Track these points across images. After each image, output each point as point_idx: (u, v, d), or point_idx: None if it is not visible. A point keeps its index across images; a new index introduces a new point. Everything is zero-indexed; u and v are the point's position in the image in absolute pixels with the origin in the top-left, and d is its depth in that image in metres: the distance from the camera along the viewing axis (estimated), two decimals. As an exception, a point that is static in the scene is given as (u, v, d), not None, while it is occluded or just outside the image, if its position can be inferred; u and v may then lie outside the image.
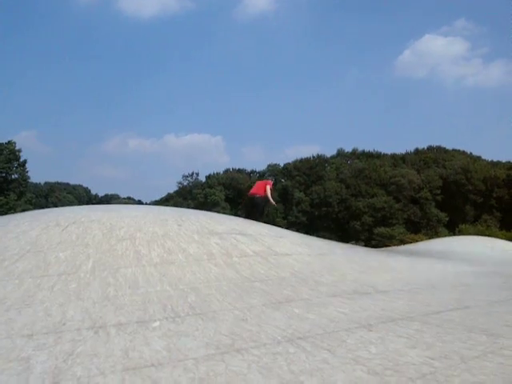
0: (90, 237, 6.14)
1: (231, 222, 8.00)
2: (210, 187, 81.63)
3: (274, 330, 3.82)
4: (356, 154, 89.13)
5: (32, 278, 4.89)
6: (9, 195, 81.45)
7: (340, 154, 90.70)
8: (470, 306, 5.25)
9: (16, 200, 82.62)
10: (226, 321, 4.07)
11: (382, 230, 64.07)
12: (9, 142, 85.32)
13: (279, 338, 3.58)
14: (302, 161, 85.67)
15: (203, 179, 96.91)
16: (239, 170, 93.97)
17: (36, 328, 3.69)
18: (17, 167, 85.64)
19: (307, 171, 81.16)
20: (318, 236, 53.12)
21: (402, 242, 59.34)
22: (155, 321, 4.01)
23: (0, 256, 5.48)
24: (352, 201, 71.30)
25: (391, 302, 5.21)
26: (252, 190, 14.21)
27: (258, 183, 14.56)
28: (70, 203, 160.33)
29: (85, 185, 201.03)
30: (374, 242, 62.64)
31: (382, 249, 20.92)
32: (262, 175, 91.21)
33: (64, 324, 3.84)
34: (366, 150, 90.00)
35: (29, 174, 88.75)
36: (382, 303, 5.08)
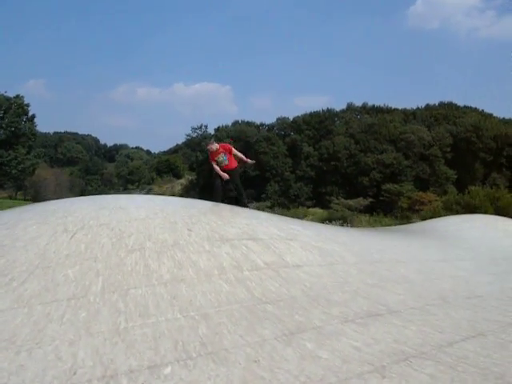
0: (99, 247, 6.07)
1: (242, 220, 7.91)
2: (219, 140, 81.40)
3: (286, 378, 3.77)
4: (366, 109, 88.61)
5: (41, 305, 4.83)
6: (18, 149, 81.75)
7: (350, 108, 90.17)
8: (484, 333, 5.20)
9: (25, 154, 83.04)
10: (238, 364, 4.01)
11: (390, 186, 64.09)
12: (17, 96, 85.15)
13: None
14: (311, 114, 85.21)
15: (212, 131, 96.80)
16: (248, 122, 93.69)
17: (47, 379, 3.65)
18: (25, 121, 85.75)
19: (316, 125, 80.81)
20: (326, 191, 52.89)
21: (410, 199, 59.48)
22: (167, 365, 3.96)
23: (9, 274, 5.42)
24: (361, 156, 71.15)
25: (404, 327, 5.15)
26: (230, 164, 11.30)
27: (223, 146, 11.50)
28: (79, 153, 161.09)
29: (93, 134, 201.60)
30: (381, 198, 62.75)
31: (392, 229, 20.70)
32: (271, 128, 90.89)
33: (75, 373, 3.79)
34: (376, 104, 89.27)
35: (37, 123, 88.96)
36: (394, 331, 5.02)
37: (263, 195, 73.95)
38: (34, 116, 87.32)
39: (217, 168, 10.62)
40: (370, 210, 59.77)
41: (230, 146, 11.17)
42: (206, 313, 4.95)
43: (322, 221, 47.83)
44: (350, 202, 57.95)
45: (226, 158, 10.70)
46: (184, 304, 5.07)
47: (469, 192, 41.67)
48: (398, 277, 7.25)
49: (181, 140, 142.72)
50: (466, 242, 14.02)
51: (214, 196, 10.92)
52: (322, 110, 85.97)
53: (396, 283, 6.86)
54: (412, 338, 4.88)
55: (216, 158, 10.70)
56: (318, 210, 65.62)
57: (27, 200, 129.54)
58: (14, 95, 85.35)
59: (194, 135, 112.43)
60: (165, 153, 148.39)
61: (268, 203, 68.70)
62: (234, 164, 11.13)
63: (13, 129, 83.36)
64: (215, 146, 10.76)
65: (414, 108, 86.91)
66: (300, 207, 68.34)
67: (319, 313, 5.28)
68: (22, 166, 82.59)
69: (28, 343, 4.21)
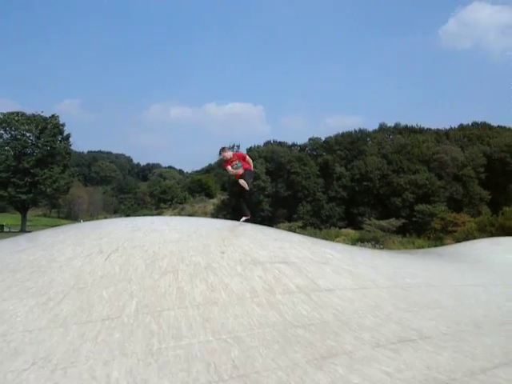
0: (133, 269, 6.16)
1: (275, 242, 7.94)
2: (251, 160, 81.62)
3: (317, 403, 3.79)
4: (398, 129, 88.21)
5: (76, 325, 4.93)
6: (53, 168, 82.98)
7: (382, 128, 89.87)
8: (517, 360, 5.16)
9: (60, 173, 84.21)
10: (270, 388, 4.05)
11: (423, 207, 63.50)
12: (53, 115, 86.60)
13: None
14: (343, 135, 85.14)
15: (244, 151, 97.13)
16: (280, 142, 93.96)
17: (81, 399, 3.73)
18: (60, 141, 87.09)
19: (348, 145, 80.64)
20: (358, 212, 52.50)
21: (443, 220, 58.86)
22: (199, 388, 4.02)
23: (45, 294, 5.54)
24: (393, 177, 70.68)
25: (436, 353, 5.12)
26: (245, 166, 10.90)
27: (237, 155, 11.32)
28: (113, 172, 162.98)
29: (127, 153, 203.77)
30: (414, 219, 62.21)
31: (425, 252, 20.51)
32: (303, 148, 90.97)
33: (109, 393, 3.87)
34: (409, 124, 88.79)
35: (72, 142, 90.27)
36: (426, 357, 5.00)
37: (295, 215, 73.85)
38: (69, 135, 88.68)
39: (232, 171, 10.56)
40: (402, 231, 59.28)
41: (243, 154, 11.17)
42: (238, 336, 4.99)
43: (354, 242, 47.63)
44: (383, 223, 57.53)
45: (241, 165, 10.63)
46: (216, 327, 5.11)
47: (503, 213, 41.21)
48: (430, 301, 7.20)
49: (213, 160, 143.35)
50: (498, 266, 13.86)
51: (245, 212, 10.82)
52: (354, 130, 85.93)
53: (428, 308, 6.82)
54: (444, 364, 4.85)
55: (231, 165, 10.63)
56: (350, 231, 65.25)
57: (61, 218, 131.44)
58: (50, 115, 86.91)
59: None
60: (197, 172, 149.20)
61: (300, 223, 68.54)
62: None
63: (48, 148, 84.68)
64: (229, 154, 10.72)
65: (447, 128, 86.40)
66: (332, 228, 68.04)
67: (351, 337, 5.28)
68: (57, 184, 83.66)
69: (63, 362, 4.29)
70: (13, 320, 5.04)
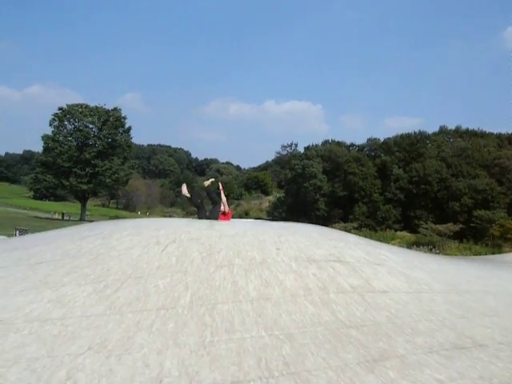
0: (189, 261, 6.23)
1: (330, 241, 7.90)
2: (308, 159, 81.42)
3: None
4: (459, 132, 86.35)
5: (132, 313, 5.02)
6: (113, 160, 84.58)
7: (442, 131, 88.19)
8: None
9: (120, 165, 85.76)
10: (320, 387, 4.05)
11: (481, 212, 61.96)
12: (115, 108, 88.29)
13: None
14: (402, 136, 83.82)
15: (301, 149, 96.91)
16: (338, 142, 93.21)
17: (134, 384, 3.81)
18: (121, 133, 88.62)
19: (407, 147, 79.35)
20: (414, 215, 51.65)
21: (503, 227, 57.46)
22: (249, 382, 4.04)
23: (103, 282, 5.67)
24: (452, 181, 69.24)
25: (490, 363, 5.01)
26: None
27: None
28: (171, 166, 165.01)
29: (186, 148, 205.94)
30: (472, 225, 60.90)
31: (482, 259, 20.07)
32: (361, 149, 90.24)
33: (161, 382, 3.93)
34: (470, 128, 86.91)
35: (132, 135, 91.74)
36: (480, 366, 4.89)
37: (351, 216, 73.19)
38: (130, 128, 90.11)
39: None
40: (459, 237, 58.10)
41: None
42: (290, 333, 4.99)
43: (410, 245, 46.95)
44: (440, 227, 56.52)
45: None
46: (269, 322, 5.13)
47: None
48: (486, 309, 7.04)
49: (270, 157, 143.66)
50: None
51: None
52: (414, 132, 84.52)
53: (484, 316, 6.66)
54: (498, 374, 4.75)
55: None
56: (406, 234, 64.34)
57: (119, 209, 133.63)
58: (112, 108, 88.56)
59: (284, 153, 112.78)
60: (254, 169, 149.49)
61: (355, 224, 67.89)
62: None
63: (109, 140, 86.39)
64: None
65: (510, 133, 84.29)
66: (388, 230, 67.19)
67: (403, 341, 5.22)
68: (117, 176, 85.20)
69: (118, 349, 4.39)
70: (71, 305, 5.17)
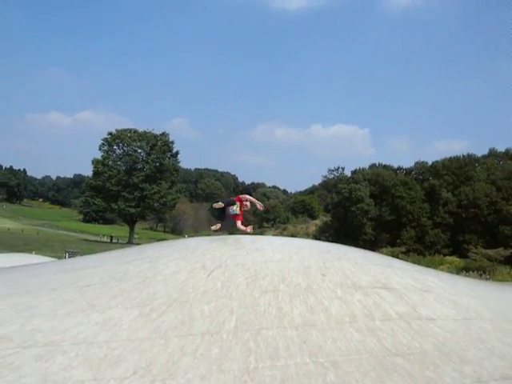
0: (234, 286, 6.24)
1: (376, 267, 7.81)
2: (355, 182, 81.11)
3: None
4: (509, 155, 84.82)
5: (177, 338, 5.05)
6: (161, 184, 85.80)
7: (492, 153, 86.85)
8: None
9: (167, 189, 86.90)
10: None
11: (534, 237, 60.61)
12: (162, 133, 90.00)
13: None
14: (450, 159, 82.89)
15: (348, 173, 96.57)
16: (385, 166, 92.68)
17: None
18: (169, 157, 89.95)
19: (456, 170, 78.37)
20: (464, 239, 50.80)
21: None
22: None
23: (149, 305, 5.72)
24: (503, 204, 68.00)
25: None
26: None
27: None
28: (218, 189, 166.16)
29: (232, 172, 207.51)
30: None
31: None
32: (408, 172, 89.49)
33: (204, 409, 3.94)
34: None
35: (180, 159, 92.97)
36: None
37: (398, 240, 72.42)
38: (177, 152, 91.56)
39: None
40: (511, 262, 56.88)
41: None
42: (335, 360, 4.95)
43: (459, 270, 46.05)
44: (490, 252, 55.42)
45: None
46: (313, 349, 5.09)
47: None
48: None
49: (317, 181, 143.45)
50: None
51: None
52: (463, 155, 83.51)
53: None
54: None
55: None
56: (455, 259, 63.18)
57: (166, 232, 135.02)
58: (160, 132, 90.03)
59: (331, 177, 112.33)
60: (301, 193, 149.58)
61: (403, 249, 67.06)
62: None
63: (157, 164, 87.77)
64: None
65: None
66: (436, 255, 66.15)
67: (451, 370, 5.12)
68: (164, 199, 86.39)
69: (162, 373, 4.42)
70: (117, 328, 5.23)
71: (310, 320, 5.67)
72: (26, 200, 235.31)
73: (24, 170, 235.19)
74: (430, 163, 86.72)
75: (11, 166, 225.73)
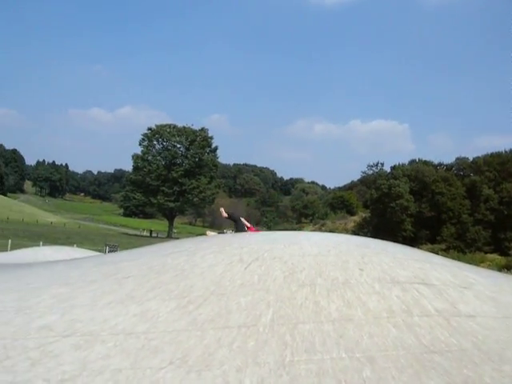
0: (271, 279, 6.24)
1: (415, 263, 7.71)
2: (395, 178, 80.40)
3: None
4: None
5: (213, 330, 5.07)
6: (200, 179, 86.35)
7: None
8: None
9: (206, 184, 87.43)
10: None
11: None
12: (202, 128, 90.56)
13: None
14: (492, 155, 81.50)
15: (387, 169, 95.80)
16: (425, 161, 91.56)
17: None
18: (208, 153, 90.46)
19: (498, 167, 77.08)
20: (505, 237, 49.99)
21: None
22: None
23: (186, 297, 5.76)
24: (546, 201, 66.70)
25: None
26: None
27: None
28: (257, 185, 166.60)
29: (271, 167, 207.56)
30: None
31: None
32: (449, 168, 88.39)
33: (240, 400, 3.94)
34: None
35: (219, 154, 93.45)
36: None
37: (438, 237, 71.64)
38: (216, 148, 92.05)
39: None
40: (554, 261, 55.86)
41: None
42: (372, 356, 4.90)
43: (500, 268, 45.36)
44: (533, 251, 54.50)
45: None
46: (350, 344, 5.06)
47: None
48: None
49: (356, 177, 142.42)
50: None
51: None
52: (505, 151, 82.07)
53: None
54: None
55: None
56: (497, 257, 62.27)
57: (205, 227, 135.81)
58: (200, 128, 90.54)
59: (370, 172, 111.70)
60: (340, 189, 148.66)
61: (443, 246, 66.33)
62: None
63: (197, 159, 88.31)
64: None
65: None
66: (477, 252, 65.29)
67: (490, 369, 5.02)
68: (203, 194, 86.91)
69: (198, 364, 4.44)
70: (155, 319, 5.28)
71: (347, 315, 5.63)
72: (67, 194, 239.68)
73: (66, 164, 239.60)
74: (471, 159, 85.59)
75: (54, 161, 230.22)
